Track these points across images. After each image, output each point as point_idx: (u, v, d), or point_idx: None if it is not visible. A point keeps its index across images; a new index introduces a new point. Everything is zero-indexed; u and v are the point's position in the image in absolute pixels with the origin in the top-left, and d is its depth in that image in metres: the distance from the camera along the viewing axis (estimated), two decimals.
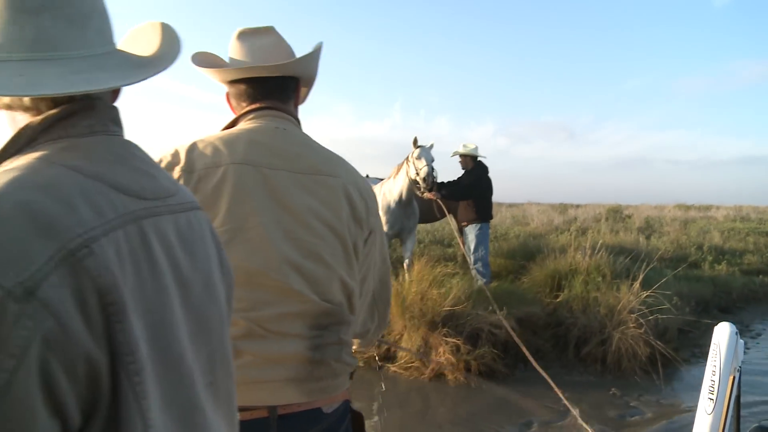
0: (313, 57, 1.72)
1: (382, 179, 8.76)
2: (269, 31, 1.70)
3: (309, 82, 1.84)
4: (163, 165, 1.50)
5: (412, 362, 6.29)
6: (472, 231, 8.22)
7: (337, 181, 1.58)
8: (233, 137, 1.57)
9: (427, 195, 7.99)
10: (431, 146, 7.94)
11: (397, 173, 8.22)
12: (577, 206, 28.13)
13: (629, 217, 18.85)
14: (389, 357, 6.53)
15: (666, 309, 6.71)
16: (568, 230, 13.68)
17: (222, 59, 1.72)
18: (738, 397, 2.24)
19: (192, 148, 1.54)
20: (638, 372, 6.37)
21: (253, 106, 1.68)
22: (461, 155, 8.39)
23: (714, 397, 2.16)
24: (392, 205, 8.06)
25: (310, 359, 1.49)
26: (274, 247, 1.46)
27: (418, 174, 7.69)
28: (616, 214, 19.35)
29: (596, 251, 8.12)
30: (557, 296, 7.53)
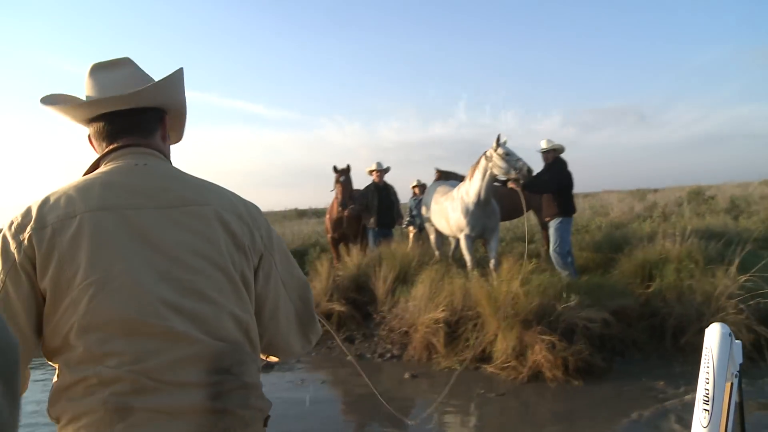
0: (171, 82, 1.59)
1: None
2: (124, 63, 1.60)
3: (178, 114, 1.71)
4: (14, 226, 1.40)
5: (509, 362, 6.28)
6: (552, 225, 8.18)
7: (208, 209, 1.46)
8: (88, 183, 1.45)
9: (510, 184, 8.01)
10: (505, 142, 7.95)
11: (472, 174, 8.24)
12: (655, 191, 27.16)
13: (712, 198, 18.07)
14: (485, 358, 6.54)
15: (767, 292, 6.47)
16: (651, 217, 13.29)
17: (79, 99, 1.59)
18: (740, 404, 2.02)
19: (44, 203, 1.42)
20: (743, 359, 6.14)
21: (112, 146, 1.55)
22: (543, 151, 8.40)
23: (709, 408, 1.93)
24: (471, 206, 8.11)
25: (212, 409, 1.32)
26: (147, 290, 1.32)
27: (515, 170, 7.67)
28: (698, 195, 18.58)
29: (686, 237, 7.91)
30: (649, 286, 7.35)
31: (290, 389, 6.24)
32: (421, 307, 7.06)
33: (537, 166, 8.37)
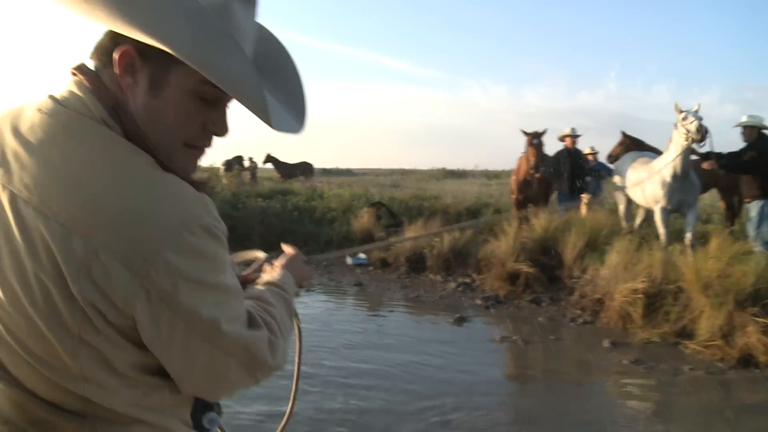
0: None
1: (661, 153, 8.35)
2: None
3: (190, 58, 0.89)
4: None
5: (713, 341, 5.92)
6: (754, 208, 7.55)
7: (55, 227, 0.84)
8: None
9: (704, 165, 7.55)
10: (697, 110, 7.43)
11: (669, 145, 7.83)
12: None
13: None
14: (684, 334, 6.22)
15: None
16: None
17: None
18: None
19: None
20: None
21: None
22: (744, 126, 7.75)
23: None
24: (667, 179, 7.69)
25: None
26: None
27: (688, 133, 7.23)
28: None
29: None
30: None
31: (485, 344, 6.28)
32: (618, 276, 6.82)
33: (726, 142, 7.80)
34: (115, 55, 0.92)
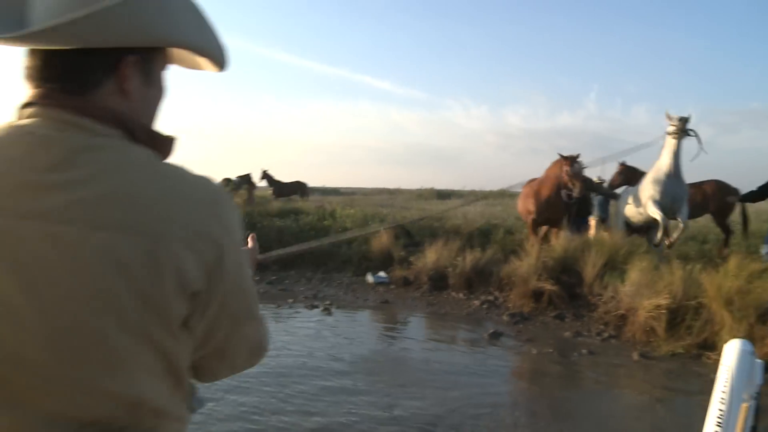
0: (135, 8, 0.87)
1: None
2: None
3: (197, 49, 0.98)
4: None
5: None
6: None
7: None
8: None
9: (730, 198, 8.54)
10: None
11: (662, 153, 8.87)
12: None
13: None
14: (707, 346, 6.55)
15: None
16: None
17: None
18: (754, 429, 1.82)
19: None
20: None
21: (22, 102, 0.92)
22: None
23: (722, 430, 1.77)
24: (661, 177, 8.71)
25: None
26: None
27: (671, 120, 8.55)
28: None
29: None
30: None
31: (523, 357, 6.56)
32: (641, 293, 7.16)
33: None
34: (125, 66, 0.92)
